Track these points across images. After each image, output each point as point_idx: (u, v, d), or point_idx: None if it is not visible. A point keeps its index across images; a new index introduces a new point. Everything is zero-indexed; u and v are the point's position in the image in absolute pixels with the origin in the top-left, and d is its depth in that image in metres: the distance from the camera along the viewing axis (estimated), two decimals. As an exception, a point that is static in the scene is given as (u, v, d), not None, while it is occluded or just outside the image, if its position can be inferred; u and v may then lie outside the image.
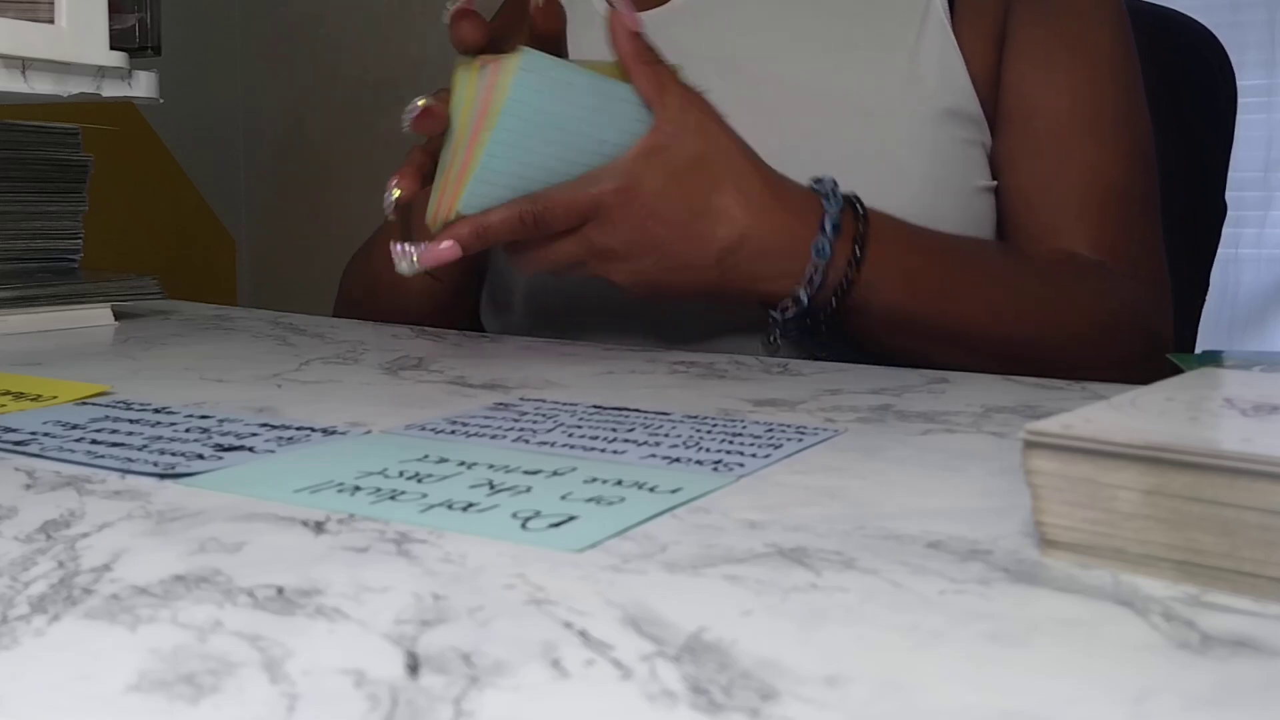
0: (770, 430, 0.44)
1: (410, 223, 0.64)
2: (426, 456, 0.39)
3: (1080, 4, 0.77)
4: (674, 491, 0.35)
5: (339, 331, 0.76)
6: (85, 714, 0.20)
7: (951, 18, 0.76)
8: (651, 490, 0.35)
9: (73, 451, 0.40)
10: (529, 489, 0.35)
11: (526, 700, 0.21)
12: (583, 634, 0.24)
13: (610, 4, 0.62)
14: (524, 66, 0.59)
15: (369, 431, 0.43)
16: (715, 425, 0.45)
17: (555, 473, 0.37)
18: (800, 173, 0.68)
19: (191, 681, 0.21)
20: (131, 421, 0.44)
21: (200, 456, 0.39)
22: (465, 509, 0.33)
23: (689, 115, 0.62)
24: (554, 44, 0.64)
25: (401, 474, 0.36)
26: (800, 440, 0.42)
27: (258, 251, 2.58)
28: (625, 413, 0.47)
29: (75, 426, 0.43)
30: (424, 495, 0.34)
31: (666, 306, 0.71)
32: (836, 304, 0.64)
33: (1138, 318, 0.72)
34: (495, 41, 0.62)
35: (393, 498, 0.34)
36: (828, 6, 0.78)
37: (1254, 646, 0.23)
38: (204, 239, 2.50)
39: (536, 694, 0.21)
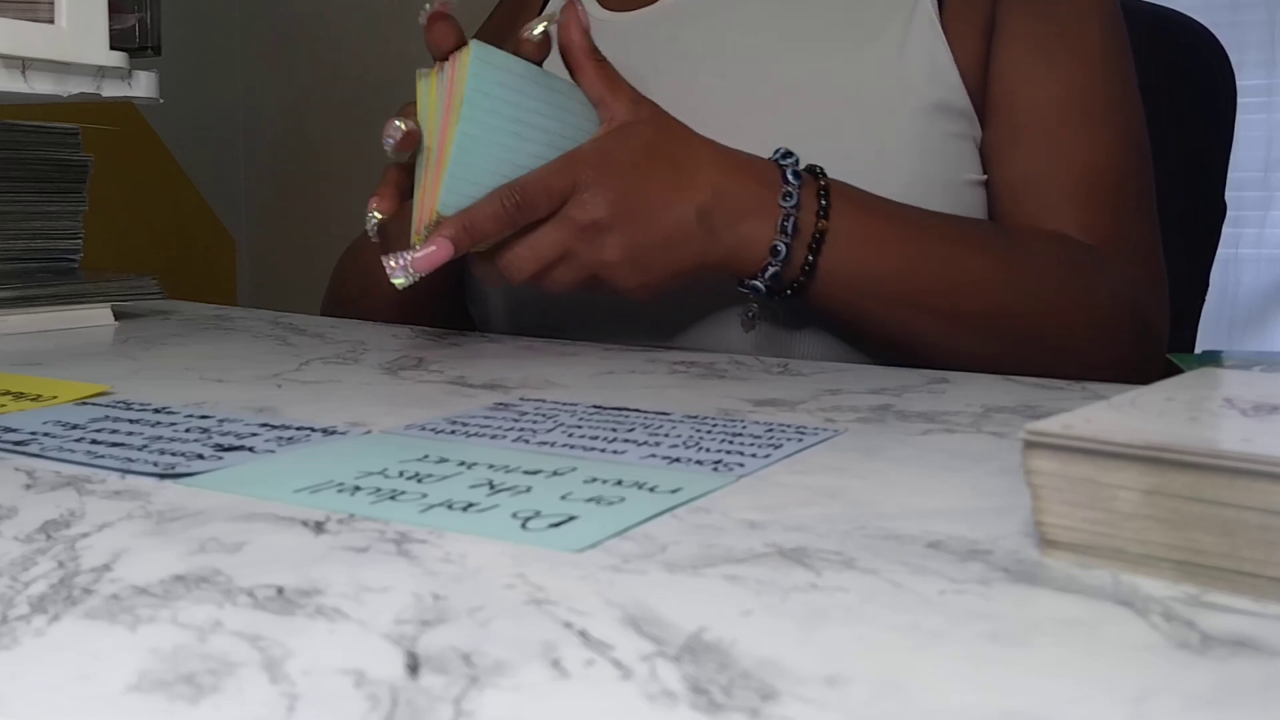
0: (770, 430, 0.44)
1: (389, 235, 0.65)
2: (426, 456, 0.39)
3: None
4: (674, 491, 0.35)
5: (339, 331, 0.76)
6: (85, 714, 0.20)
7: (940, 11, 0.75)
8: (651, 490, 0.35)
9: (73, 451, 0.40)
10: (529, 489, 0.35)
11: (526, 700, 0.21)
12: (583, 634, 0.24)
13: (568, 6, 0.64)
14: (477, 57, 0.60)
15: (369, 431, 0.43)
16: (715, 425, 0.45)
17: (555, 473, 0.37)
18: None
19: (191, 681, 0.21)
20: (131, 421, 0.44)
21: (200, 456, 0.39)
22: (465, 509, 0.33)
23: (644, 105, 0.65)
24: None
25: (401, 474, 0.36)
26: (800, 440, 0.42)
27: (258, 251, 2.58)
28: (625, 413, 0.47)
29: (75, 426, 0.43)
30: (424, 495, 0.34)
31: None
32: (811, 261, 0.65)
33: (1125, 297, 0.72)
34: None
35: (393, 498, 0.34)
36: (815, 2, 0.78)
37: (1254, 646, 0.23)
38: (204, 239, 2.50)
39: (536, 694, 0.21)
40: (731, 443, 0.41)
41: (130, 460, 0.38)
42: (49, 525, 0.31)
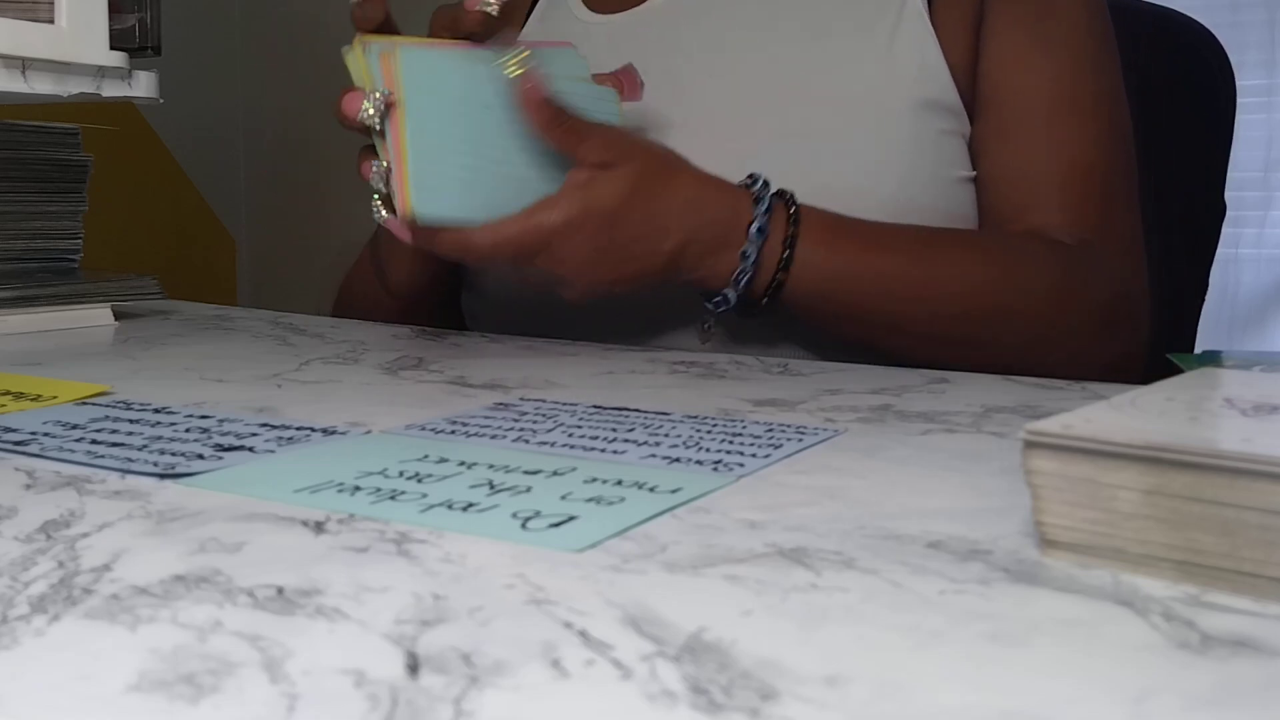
0: (770, 430, 0.44)
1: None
2: (426, 456, 0.39)
3: None
4: (674, 491, 0.35)
5: (339, 331, 0.76)
6: (85, 714, 0.20)
7: (929, 7, 0.75)
8: (651, 490, 0.35)
9: (73, 451, 0.40)
10: (529, 489, 0.35)
11: (526, 700, 0.21)
12: (583, 634, 0.24)
13: (522, 73, 0.64)
14: (407, 61, 0.62)
15: (369, 431, 0.43)
16: (715, 425, 0.45)
17: (555, 473, 0.37)
18: (778, 165, 0.68)
19: (191, 681, 0.21)
20: (131, 421, 0.44)
21: (200, 456, 0.39)
22: (465, 509, 0.33)
23: (613, 146, 0.64)
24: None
25: (401, 474, 0.36)
26: (800, 440, 0.42)
27: (258, 251, 2.58)
28: (625, 413, 0.47)
29: (75, 426, 0.43)
30: (424, 495, 0.34)
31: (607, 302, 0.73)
32: (779, 281, 0.66)
33: (1107, 297, 0.72)
34: (390, 20, 0.66)
35: (393, 498, 0.34)
36: (804, 0, 0.78)
37: (1254, 646, 0.23)
38: (204, 239, 2.50)
39: (536, 694, 0.21)
40: (731, 443, 0.41)
41: (130, 460, 0.38)
42: (49, 525, 0.31)
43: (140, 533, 0.31)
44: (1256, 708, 0.21)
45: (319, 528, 0.31)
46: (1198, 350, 1.04)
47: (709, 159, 0.70)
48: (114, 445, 0.40)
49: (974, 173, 0.76)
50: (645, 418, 0.46)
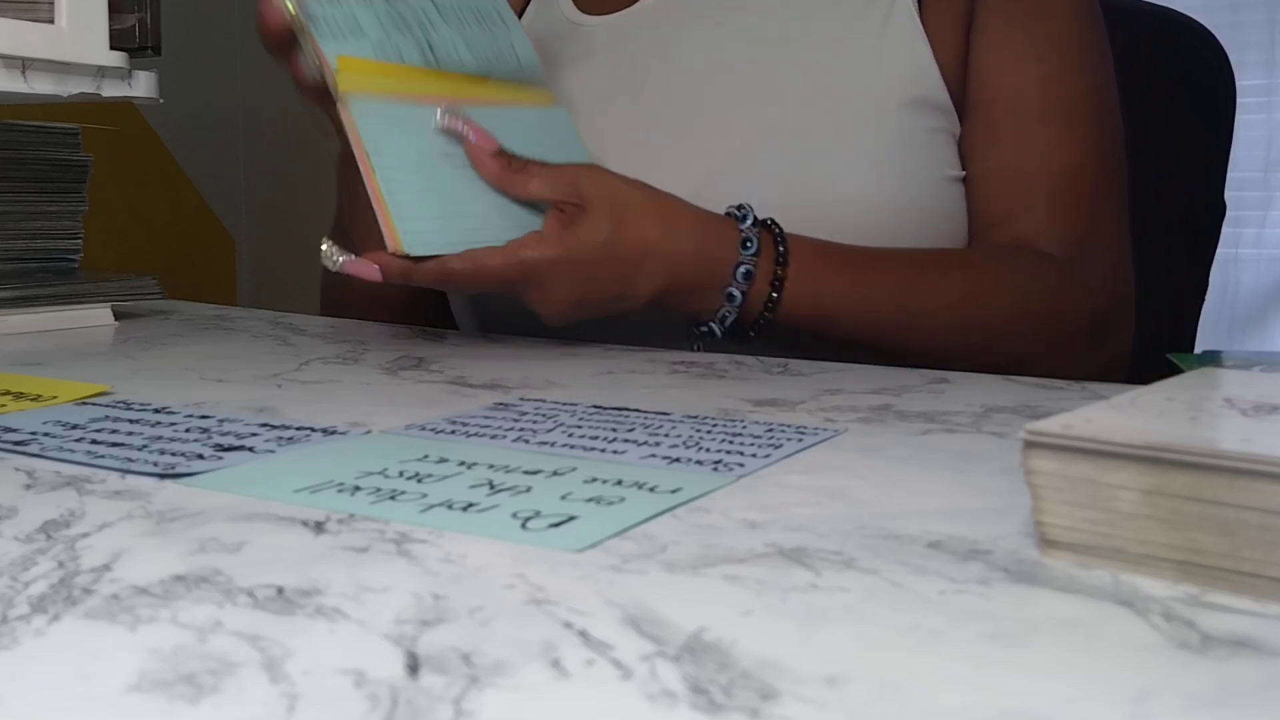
0: (770, 430, 0.44)
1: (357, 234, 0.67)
2: (426, 456, 0.39)
3: None
4: (674, 491, 0.35)
5: (339, 331, 0.76)
6: (85, 714, 0.20)
7: (919, 6, 0.75)
8: (651, 490, 0.35)
9: (73, 451, 0.40)
10: (529, 489, 0.35)
11: (526, 700, 0.21)
12: (583, 634, 0.24)
13: (466, 137, 0.65)
14: (359, 113, 0.63)
15: (369, 431, 0.43)
16: (715, 425, 0.45)
17: (555, 473, 0.37)
18: (768, 163, 0.68)
19: (191, 681, 0.21)
20: (131, 421, 0.44)
21: (200, 456, 0.39)
22: (465, 509, 0.33)
23: (591, 189, 0.64)
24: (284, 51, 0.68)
25: (401, 474, 0.36)
26: (800, 440, 0.42)
27: (258, 251, 2.58)
28: (625, 413, 0.47)
29: (75, 426, 0.43)
30: (424, 495, 0.34)
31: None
32: (769, 311, 0.66)
33: (1088, 311, 0.71)
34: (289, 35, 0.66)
35: (393, 498, 0.34)
36: (795, 0, 0.78)
37: (1254, 646, 0.23)
38: (204, 239, 2.50)
39: (536, 694, 0.21)
40: (731, 443, 0.41)
41: (130, 460, 0.38)
42: (49, 525, 0.31)
43: (140, 533, 0.31)
44: (1256, 708, 0.21)
45: (319, 528, 0.31)
46: (1198, 350, 1.04)
47: (699, 159, 0.70)
48: (114, 445, 0.40)
49: (963, 172, 0.76)
50: (645, 418, 0.46)
